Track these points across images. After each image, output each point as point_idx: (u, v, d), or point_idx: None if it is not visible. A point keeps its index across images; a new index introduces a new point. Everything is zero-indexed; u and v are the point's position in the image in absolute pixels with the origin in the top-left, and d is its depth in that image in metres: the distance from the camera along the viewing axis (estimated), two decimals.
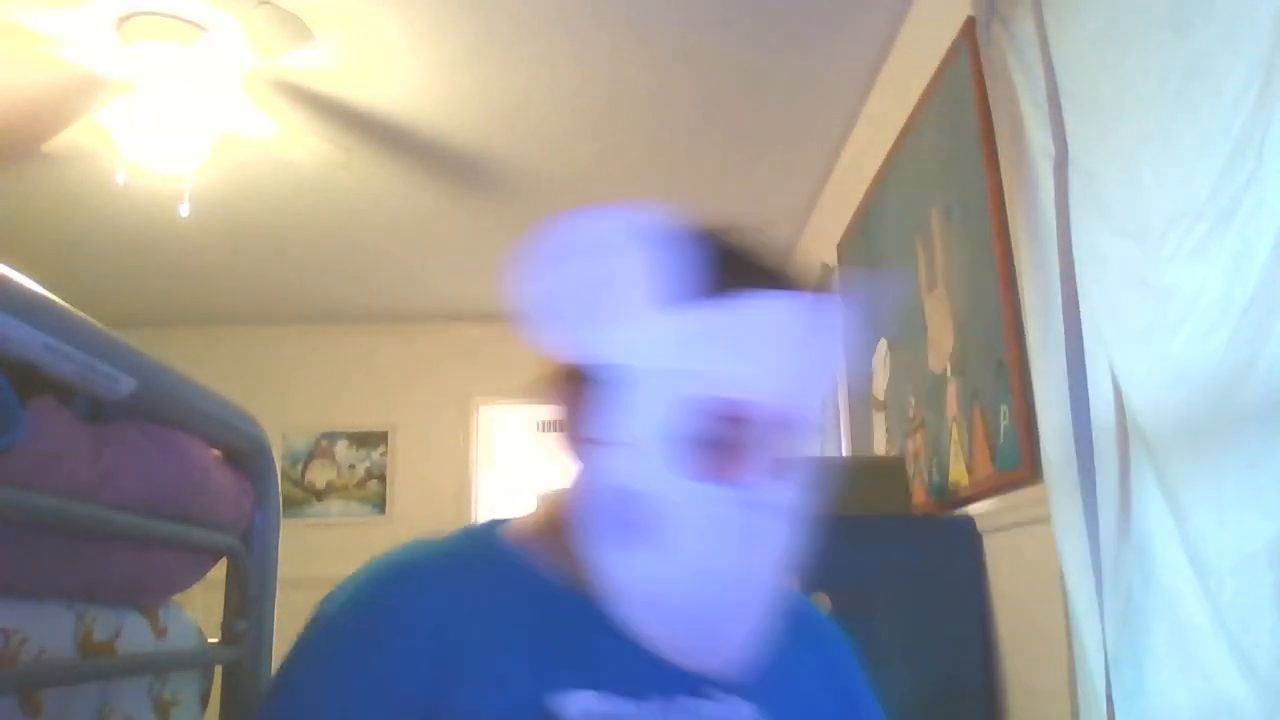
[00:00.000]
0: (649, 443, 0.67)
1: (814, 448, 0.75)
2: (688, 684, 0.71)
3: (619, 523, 0.67)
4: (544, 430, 5.31)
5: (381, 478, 4.87)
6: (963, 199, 2.07)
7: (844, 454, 3.17)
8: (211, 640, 1.37)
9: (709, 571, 0.67)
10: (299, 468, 4.85)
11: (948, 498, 2.14)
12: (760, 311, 0.67)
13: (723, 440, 0.67)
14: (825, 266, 3.32)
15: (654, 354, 0.67)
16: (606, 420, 0.68)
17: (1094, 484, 1.39)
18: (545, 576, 0.74)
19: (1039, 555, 1.66)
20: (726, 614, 0.68)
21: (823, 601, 1.60)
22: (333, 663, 0.69)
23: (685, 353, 0.67)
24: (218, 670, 1.38)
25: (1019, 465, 1.75)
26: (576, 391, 0.71)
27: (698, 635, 0.68)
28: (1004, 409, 1.83)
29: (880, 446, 2.76)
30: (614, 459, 0.68)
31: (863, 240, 2.92)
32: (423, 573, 0.74)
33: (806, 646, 0.82)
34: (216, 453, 1.34)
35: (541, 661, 0.69)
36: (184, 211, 2.95)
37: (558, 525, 0.76)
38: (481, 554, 0.76)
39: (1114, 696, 1.31)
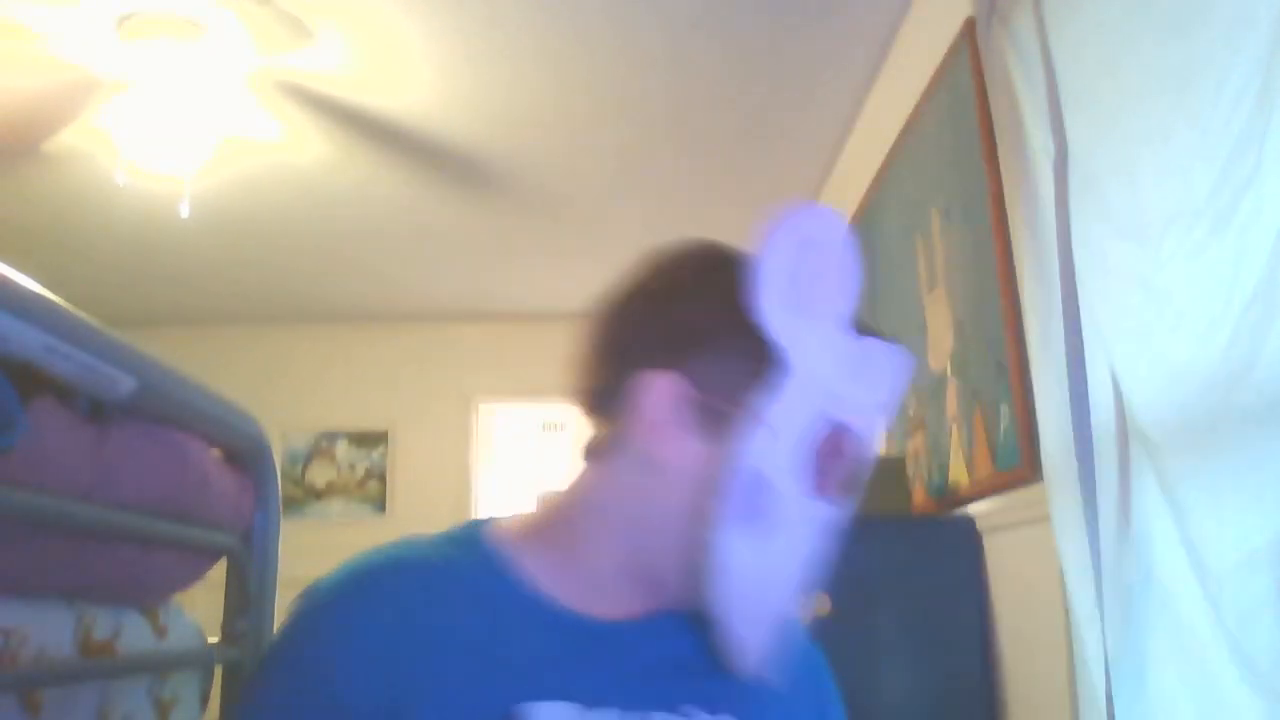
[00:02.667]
0: (792, 436, 0.69)
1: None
2: (667, 702, 0.70)
3: (743, 502, 0.68)
4: (548, 429, 5.31)
5: (381, 477, 4.87)
6: (963, 199, 2.07)
7: None
8: (211, 640, 1.37)
9: (783, 576, 0.70)
10: (299, 468, 4.85)
11: (948, 498, 2.14)
12: (888, 357, 0.74)
13: (832, 462, 0.71)
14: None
15: (826, 361, 0.71)
16: (767, 403, 0.69)
17: (1094, 484, 1.39)
18: (526, 584, 0.72)
19: (1039, 555, 1.66)
20: (774, 620, 0.70)
21: (823, 601, 1.60)
22: (287, 674, 0.69)
23: (844, 373, 0.71)
24: (218, 670, 1.38)
25: (1019, 465, 1.75)
26: (746, 364, 0.70)
27: (749, 634, 0.69)
28: (1004, 409, 1.83)
29: (880, 446, 2.76)
30: (758, 441, 0.69)
31: (863, 240, 2.92)
32: (388, 578, 0.71)
33: (796, 671, 0.80)
34: (216, 453, 1.34)
35: (512, 670, 0.67)
36: (184, 211, 2.95)
37: (556, 527, 0.75)
38: (461, 558, 0.74)
39: (1114, 696, 1.31)
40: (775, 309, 0.70)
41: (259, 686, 0.70)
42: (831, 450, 0.71)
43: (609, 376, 0.74)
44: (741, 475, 0.68)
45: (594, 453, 0.76)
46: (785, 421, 0.69)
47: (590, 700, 0.67)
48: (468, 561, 0.73)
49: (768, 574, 0.69)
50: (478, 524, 0.78)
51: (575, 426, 5.13)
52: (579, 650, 0.70)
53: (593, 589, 0.73)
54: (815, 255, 0.72)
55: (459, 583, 0.72)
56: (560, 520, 0.76)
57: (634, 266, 0.77)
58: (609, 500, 0.74)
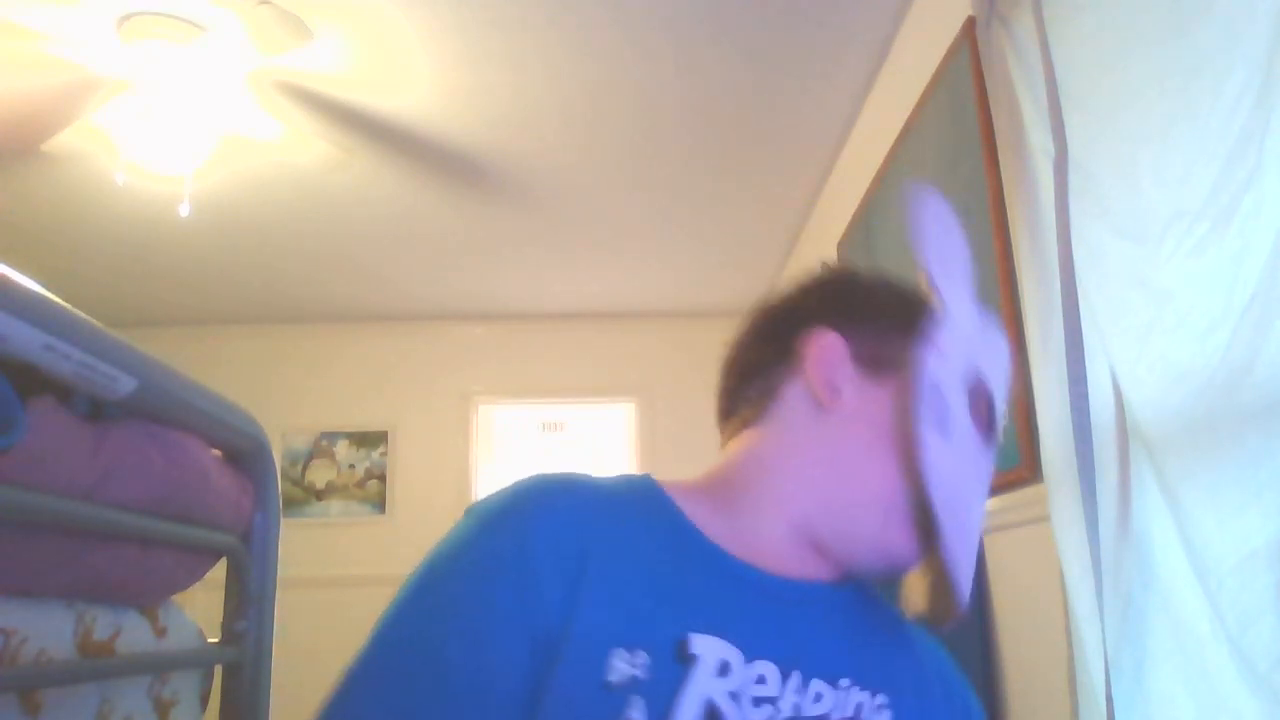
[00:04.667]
0: (947, 382, 0.74)
1: None
2: (825, 670, 0.69)
3: (928, 437, 0.73)
4: (548, 429, 5.31)
5: (381, 477, 4.87)
6: (963, 199, 2.07)
7: None
8: (211, 640, 1.37)
9: (974, 510, 0.76)
10: (299, 468, 4.85)
11: None
12: (997, 330, 0.82)
13: (979, 409, 0.77)
14: (825, 267, 3.32)
15: (962, 326, 0.78)
16: (922, 353, 0.74)
17: (1094, 484, 1.39)
18: (699, 529, 0.72)
19: (1039, 555, 1.66)
20: (974, 556, 0.75)
21: None
22: (481, 567, 0.66)
23: (975, 337, 0.79)
24: (218, 670, 1.38)
25: (1019, 465, 1.75)
26: (898, 325, 0.78)
27: (960, 567, 0.73)
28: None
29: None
30: (923, 383, 0.74)
31: (863, 240, 2.92)
32: (573, 490, 0.71)
33: (940, 665, 0.81)
34: (216, 453, 1.34)
35: (683, 599, 0.67)
36: (184, 211, 2.95)
37: (726, 489, 0.76)
38: (636, 496, 0.73)
39: (1114, 696, 1.31)
40: (930, 275, 0.78)
41: (454, 552, 0.67)
42: (977, 398, 0.76)
43: (768, 348, 0.80)
44: (917, 414, 0.72)
45: (746, 421, 0.79)
46: (939, 369, 0.74)
47: (750, 649, 0.67)
48: (643, 500, 0.73)
49: (965, 506, 0.73)
50: (646, 476, 0.77)
51: (575, 426, 5.13)
52: (746, 598, 0.70)
53: (763, 547, 0.73)
54: (947, 237, 0.80)
55: (636, 512, 0.72)
56: (728, 482, 0.77)
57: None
58: (784, 456, 0.76)
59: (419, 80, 2.82)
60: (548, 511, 0.68)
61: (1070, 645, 1.49)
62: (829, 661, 0.70)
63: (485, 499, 0.71)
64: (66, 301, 0.93)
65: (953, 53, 2.10)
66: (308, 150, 2.98)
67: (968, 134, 2.01)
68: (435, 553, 0.68)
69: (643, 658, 0.63)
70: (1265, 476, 1.02)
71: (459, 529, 0.69)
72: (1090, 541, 1.37)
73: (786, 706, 0.66)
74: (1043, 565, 1.63)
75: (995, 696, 1.90)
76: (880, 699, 0.71)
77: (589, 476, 0.74)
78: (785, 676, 0.67)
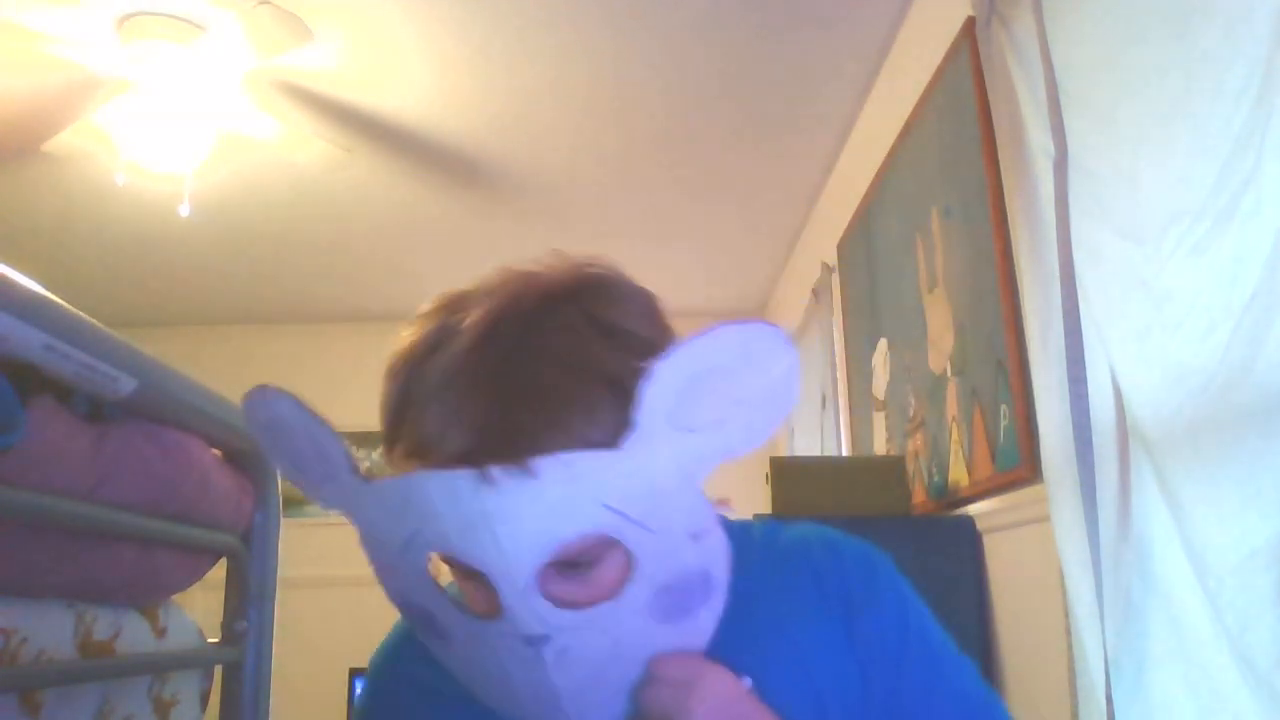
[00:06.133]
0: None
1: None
2: None
3: None
4: None
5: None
6: (963, 199, 2.07)
7: (844, 454, 3.17)
8: (211, 640, 1.37)
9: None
10: None
11: (948, 498, 2.14)
12: None
13: None
14: (825, 267, 3.32)
15: None
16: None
17: (1094, 484, 1.38)
18: None
19: (1039, 555, 1.66)
20: None
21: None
22: None
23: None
24: (218, 670, 1.38)
25: (1019, 465, 1.75)
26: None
27: None
28: (1004, 409, 1.83)
29: (880, 446, 2.76)
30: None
31: (863, 240, 2.92)
32: (402, 657, 0.78)
33: (811, 590, 0.74)
34: (216, 453, 1.34)
35: None
36: (184, 211, 2.95)
37: None
38: None
39: (1114, 696, 1.31)
40: None
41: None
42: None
43: None
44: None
45: None
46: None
47: None
48: None
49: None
50: None
51: None
52: None
53: None
54: None
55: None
56: None
57: None
58: None
59: (418, 80, 2.82)
60: (396, 678, 0.77)
61: (1070, 645, 1.49)
62: None
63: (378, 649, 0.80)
64: (66, 301, 0.93)
65: (953, 53, 2.10)
66: (307, 150, 2.98)
67: (968, 134, 2.01)
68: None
69: None
70: (1265, 476, 1.02)
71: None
72: (1090, 541, 1.37)
73: None
74: (1043, 565, 1.63)
75: None
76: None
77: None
78: None
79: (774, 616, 0.72)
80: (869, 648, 0.73)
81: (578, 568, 0.62)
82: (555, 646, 0.62)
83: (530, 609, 0.60)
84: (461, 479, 0.57)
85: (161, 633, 1.22)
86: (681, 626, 0.67)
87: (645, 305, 0.68)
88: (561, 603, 0.61)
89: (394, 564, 0.65)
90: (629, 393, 0.59)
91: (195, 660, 1.31)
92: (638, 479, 0.60)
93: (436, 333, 0.64)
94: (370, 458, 4.90)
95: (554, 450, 0.58)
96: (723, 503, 0.68)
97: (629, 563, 0.63)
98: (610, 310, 0.65)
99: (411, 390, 0.63)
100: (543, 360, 0.61)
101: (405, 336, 0.67)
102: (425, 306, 0.69)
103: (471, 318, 0.63)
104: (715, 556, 0.68)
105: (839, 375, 3.25)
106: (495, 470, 0.57)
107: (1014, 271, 1.79)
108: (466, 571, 0.63)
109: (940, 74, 2.18)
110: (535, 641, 0.61)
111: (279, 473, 0.65)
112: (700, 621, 0.68)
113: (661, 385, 0.58)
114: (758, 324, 0.61)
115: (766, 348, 0.61)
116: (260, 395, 0.66)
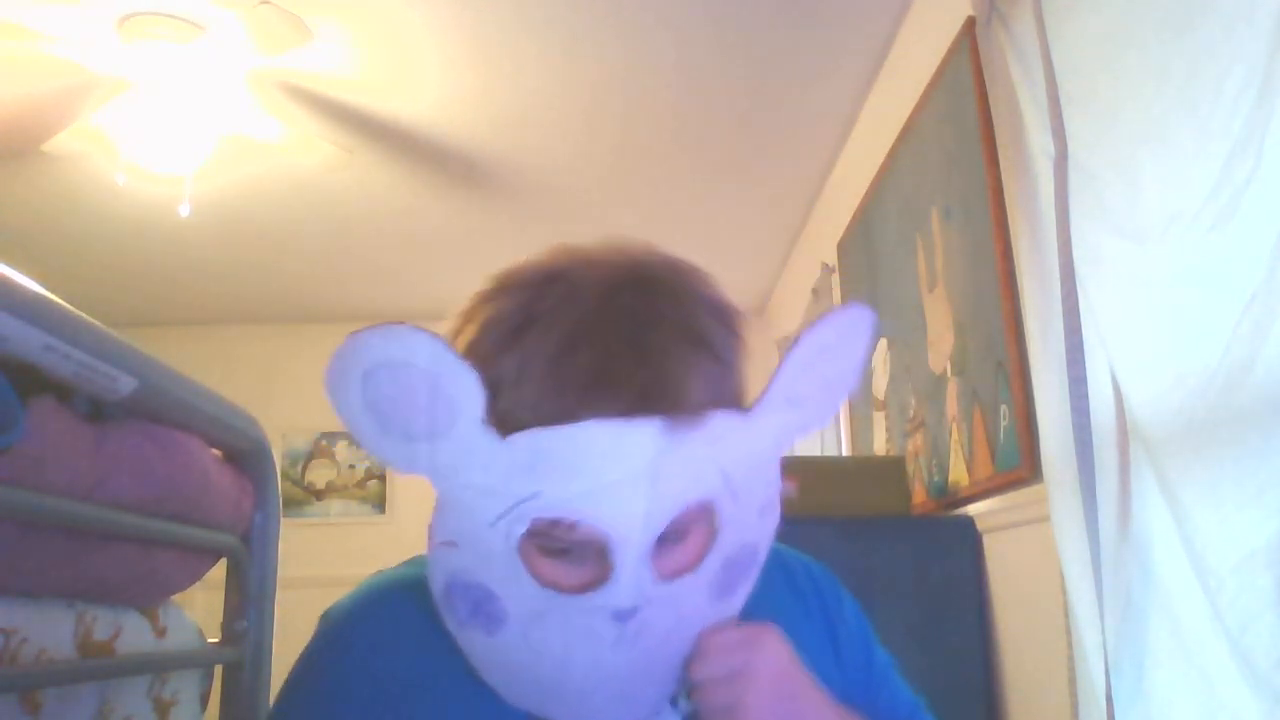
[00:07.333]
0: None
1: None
2: None
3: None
4: None
5: (381, 477, 4.86)
6: (963, 199, 2.07)
7: (844, 454, 3.17)
8: (211, 640, 1.37)
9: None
10: (299, 468, 4.85)
11: (948, 498, 2.14)
12: None
13: None
14: (825, 267, 3.32)
15: None
16: None
17: (1094, 484, 1.38)
18: None
19: (1039, 555, 1.66)
20: None
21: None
22: (304, 699, 0.71)
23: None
24: (218, 670, 1.38)
25: (1019, 465, 1.75)
26: None
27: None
28: (1004, 409, 1.83)
29: (880, 446, 2.76)
30: None
31: (863, 240, 2.92)
32: (398, 600, 0.72)
33: (796, 604, 0.78)
34: (216, 453, 1.34)
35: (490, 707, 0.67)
36: (184, 212, 2.95)
37: None
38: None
39: (1114, 696, 1.31)
40: None
41: (279, 711, 0.71)
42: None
43: None
44: None
45: None
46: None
47: None
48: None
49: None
50: None
51: None
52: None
53: None
54: None
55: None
56: None
57: None
58: None
59: (419, 80, 2.82)
60: (363, 641, 0.70)
61: (1070, 645, 1.49)
62: None
63: (335, 606, 0.73)
64: (66, 301, 0.93)
65: (953, 53, 2.10)
66: (308, 150, 2.98)
67: (968, 134, 2.01)
68: (291, 673, 0.72)
69: None
70: (1265, 476, 1.02)
71: (309, 645, 0.72)
72: (1090, 541, 1.37)
73: None
74: (1043, 565, 1.63)
75: (995, 696, 1.90)
76: None
77: (393, 579, 0.74)
78: None
79: (772, 617, 0.72)
80: (849, 656, 0.77)
81: (669, 540, 0.62)
82: (639, 620, 0.61)
83: (638, 578, 0.59)
84: (640, 429, 0.57)
85: (161, 633, 1.22)
86: (725, 604, 0.67)
87: (719, 287, 0.71)
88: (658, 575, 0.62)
89: (477, 535, 0.61)
90: (727, 366, 0.63)
91: (195, 660, 1.30)
92: (751, 447, 0.63)
93: (552, 294, 0.63)
94: (370, 457, 4.89)
95: (695, 410, 0.59)
96: (789, 483, 0.70)
97: (709, 535, 0.63)
98: (707, 287, 0.68)
99: (543, 344, 0.60)
100: (669, 326, 0.62)
101: (490, 308, 0.66)
102: (493, 285, 0.70)
103: (591, 280, 0.63)
104: (768, 535, 0.69)
105: None
106: (672, 423, 0.57)
107: (1014, 271, 1.79)
108: (559, 549, 0.61)
109: (940, 74, 2.18)
110: (624, 615, 0.60)
111: (344, 427, 0.62)
112: (737, 600, 0.69)
113: (795, 364, 0.62)
114: (861, 309, 0.66)
115: (863, 331, 0.66)
116: (388, 334, 0.59)
